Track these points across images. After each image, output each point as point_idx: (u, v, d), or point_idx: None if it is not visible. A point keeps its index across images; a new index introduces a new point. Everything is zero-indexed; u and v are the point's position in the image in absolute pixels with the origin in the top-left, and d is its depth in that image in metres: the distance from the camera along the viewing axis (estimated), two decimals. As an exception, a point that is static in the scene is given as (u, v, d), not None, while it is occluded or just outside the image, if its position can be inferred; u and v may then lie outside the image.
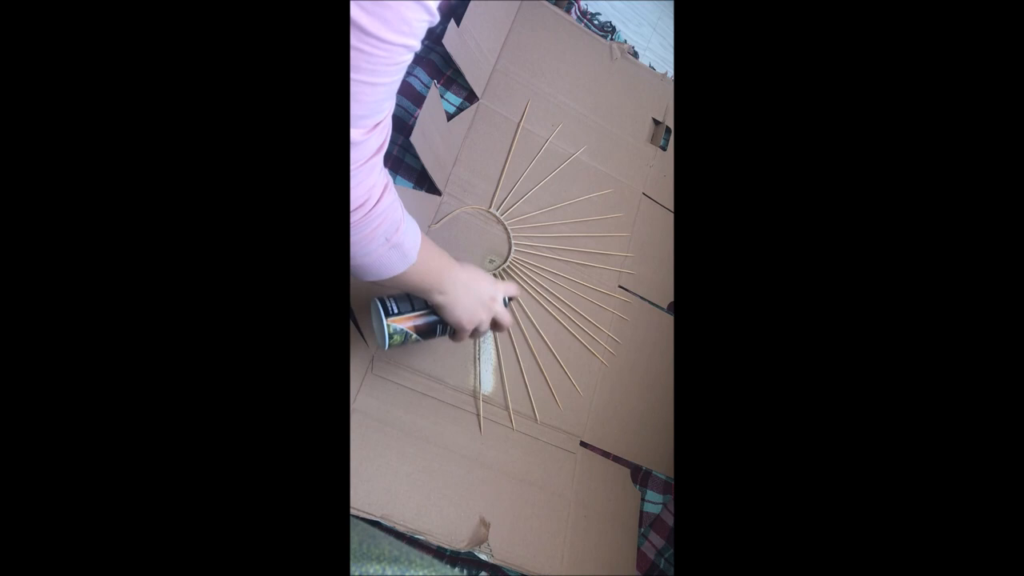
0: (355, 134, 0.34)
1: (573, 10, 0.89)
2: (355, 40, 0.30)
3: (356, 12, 0.29)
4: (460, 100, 0.77)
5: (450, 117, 0.74)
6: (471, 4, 0.75)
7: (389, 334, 0.53)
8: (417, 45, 0.33)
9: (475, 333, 0.56)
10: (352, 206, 0.38)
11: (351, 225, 0.38)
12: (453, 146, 0.74)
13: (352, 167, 0.36)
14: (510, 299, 0.59)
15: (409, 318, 0.54)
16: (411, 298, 0.55)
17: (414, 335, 0.55)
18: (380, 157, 0.38)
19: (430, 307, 0.54)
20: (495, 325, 0.57)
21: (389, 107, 0.36)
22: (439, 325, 0.55)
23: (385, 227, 0.41)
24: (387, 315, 0.53)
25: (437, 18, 0.32)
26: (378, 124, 0.36)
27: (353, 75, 0.31)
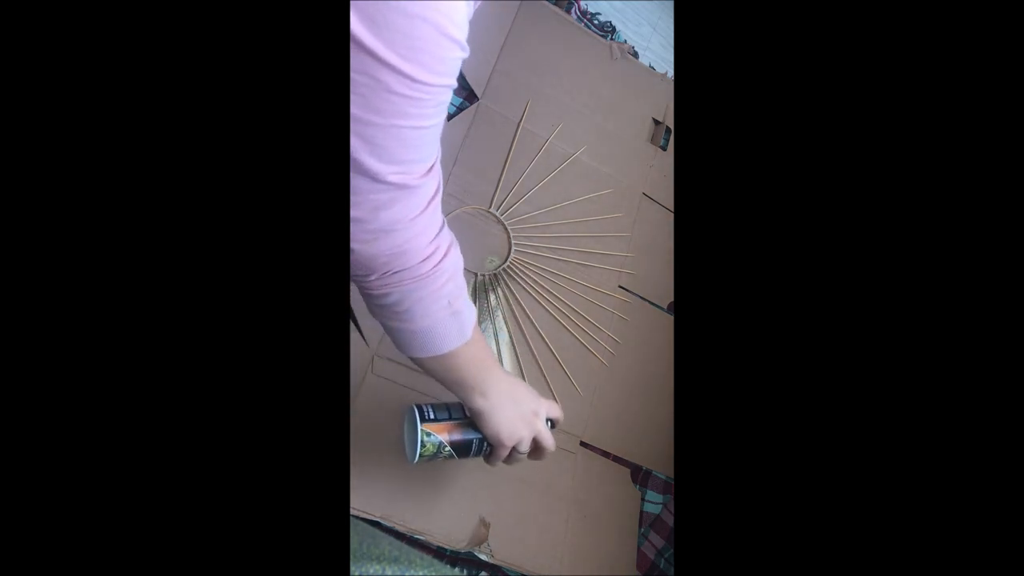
0: (410, 179, 0.34)
1: (573, 10, 0.89)
2: (402, 88, 0.30)
3: (398, 61, 0.29)
4: (460, 100, 0.77)
5: (450, 117, 0.74)
6: (479, 3, 0.75)
7: (422, 441, 0.49)
8: (455, 83, 0.33)
9: (512, 454, 0.51)
10: (421, 256, 0.37)
11: (421, 276, 0.38)
12: (453, 146, 0.74)
13: (413, 214, 0.35)
14: (553, 424, 0.53)
15: (445, 427, 0.50)
16: (449, 407, 0.51)
17: (448, 448, 0.50)
18: (438, 201, 0.37)
19: (468, 418, 0.51)
20: (535, 447, 0.51)
21: (438, 150, 0.36)
22: (476, 442, 0.51)
23: (451, 287, 0.40)
24: (423, 420, 0.49)
25: (468, 51, 0.32)
26: (431, 168, 0.36)
27: (403, 122, 0.32)
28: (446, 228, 0.40)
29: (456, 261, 0.41)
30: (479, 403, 0.48)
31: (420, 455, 0.49)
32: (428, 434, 0.49)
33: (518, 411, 0.49)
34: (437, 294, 0.40)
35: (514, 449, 0.50)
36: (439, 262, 0.38)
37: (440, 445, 0.50)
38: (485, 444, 0.51)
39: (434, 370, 0.46)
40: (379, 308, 0.41)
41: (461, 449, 0.51)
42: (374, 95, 0.30)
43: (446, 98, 0.34)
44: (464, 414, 0.51)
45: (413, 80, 0.30)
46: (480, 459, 0.53)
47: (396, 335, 0.43)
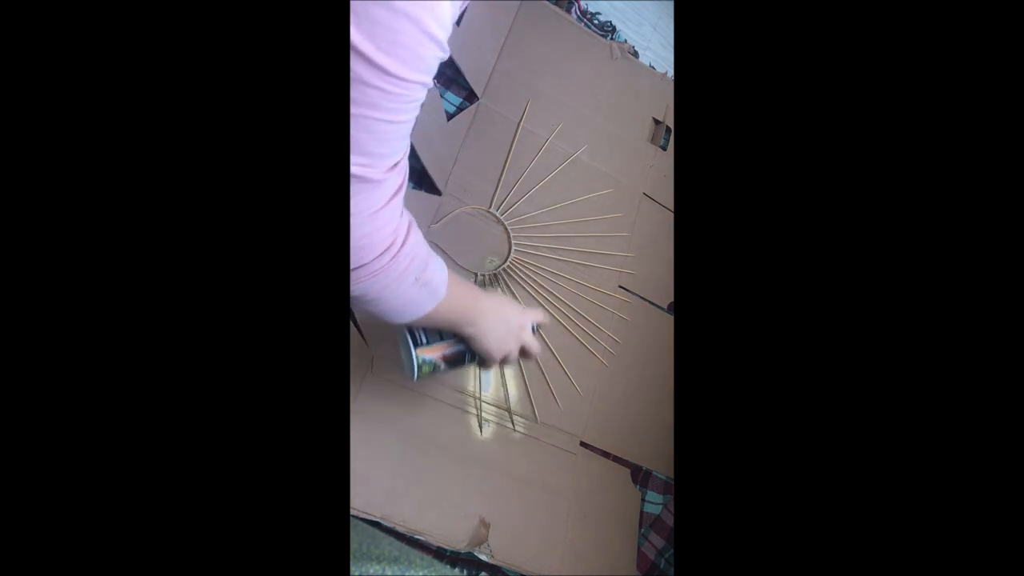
0: (374, 172, 0.34)
1: (573, 10, 0.89)
2: (376, 80, 0.30)
3: (375, 52, 0.29)
4: (460, 100, 0.77)
5: (450, 117, 0.74)
6: (471, 4, 0.75)
7: (418, 365, 0.52)
8: (431, 82, 0.33)
9: (504, 362, 0.55)
10: (379, 250, 0.37)
11: (380, 269, 0.38)
12: (453, 146, 0.74)
13: (374, 209, 0.35)
14: (538, 326, 0.58)
15: (438, 348, 0.53)
16: (439, 329, 0.54)
17: (443, 365, 0.54)
18: (400, 197, 0.38)
19: (458, 337, 0.53)
20: (523, 353, 0.56)
21: (405, 147, 0.36)
22: (467, 353, 0.54)
23: (414, 266, 0.41)
24: (416, 345, 0.52)
25: (448, 53, 0.33)
26: (396, 164, 0.36)
27: (374, 113, 0.32)
28: (404, 215, 0.40)
29: (416, 244, 0.41)
30: (469, 331, 0.51)
31: (419, 376, 0.53)
32: (422, 358, 0.52)
33: (506, 328, 0.53)
34: (400, 278, 0.40)
35: (505, 358, 0.54)
36: (397, 252, 0.38)
37: (435, 364, 0.53)
38: (476, 353, 0.54)
39: (418, 324, 0.47)
40: (350, 300, 0.41)
41: (455, 362, 0.55)
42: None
43: (420, 96, 0.34)
44: (453, 334, 0.53)
45: (387, 73, 0.30)
46: (480, 455, 0.56)
47: (372, 314, 0.44)
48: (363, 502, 0.58)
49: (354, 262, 0.37)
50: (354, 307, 0.42)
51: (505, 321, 0.53)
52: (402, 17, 0.29)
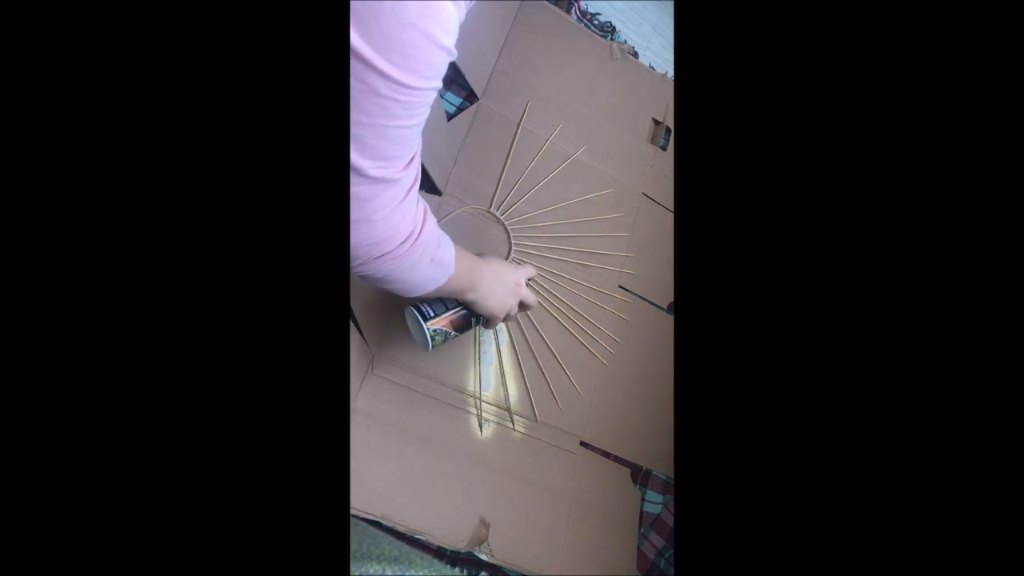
0: (392, 172, 0.36)
1: (573, 10, 0.89)
2: (391, 92, 0.31)
3: (388, 67, 0.30)
4: (460, 100, 0.77)
5: (450, 117, 0.74)
6: (471, 4, 0.74)
7: (431, 336, 0.56)
8: (440, 83, 0.35)
9: (506, 318, 0.60)
10: (402, 238, 0.40)
11: (403, 254, 0.41)
12: (453, 146, 0.74)
13: (395, 203, 0.38)
14: (529, 279, 0.63)
15: (445, 318, 0.57)
16: (444, 301, 0.58)
17: (452, 332, 0.58)
18: (416, 188, 0.40)
19: (461, 303, 0.57)
20: (522, 307, 0.61)
21: (418, 144, 0.38)
22: (472, 317, 0.59)
23: (430, 249, 0.44)
24: (425, 320, 0.56)
25: (456, 54, 0.34)
26: (411, 160, 0.38)
27: (391, 122, 0.33)
28: (420, 203, 0.42)
29: (432, 229, 0.44)
30: (471, 297, 0.55)
31: (432, 346, 0.57)
32: (433, 329, 0.57)
33: (504, 288, 0.58)
34: (419, 260, 0.43)
35: (506, 315, 0.59)
36: (417, 238, 0.41)
37: (446, 333, 0.58)
38: (480, 315, 0.59)
39: (424, 299, 0.51)
40: (369, 281, 0.44)
41: (463, 328, 0.59)
42: (363, 98, 0.31)
43: (431, 99, 0.35)
44: (457, 301, 0.58)
45: (401, 85, 0.31)
46: (480, 455, 0.57)
47: (392, 291, 0.47)
48: (363, 502, 0.58)
49: (380, 250, 0.40)
50: (376, 285, 0.46)
51: (502, 281, 0.58)
52: (411, 29, 0.30)
